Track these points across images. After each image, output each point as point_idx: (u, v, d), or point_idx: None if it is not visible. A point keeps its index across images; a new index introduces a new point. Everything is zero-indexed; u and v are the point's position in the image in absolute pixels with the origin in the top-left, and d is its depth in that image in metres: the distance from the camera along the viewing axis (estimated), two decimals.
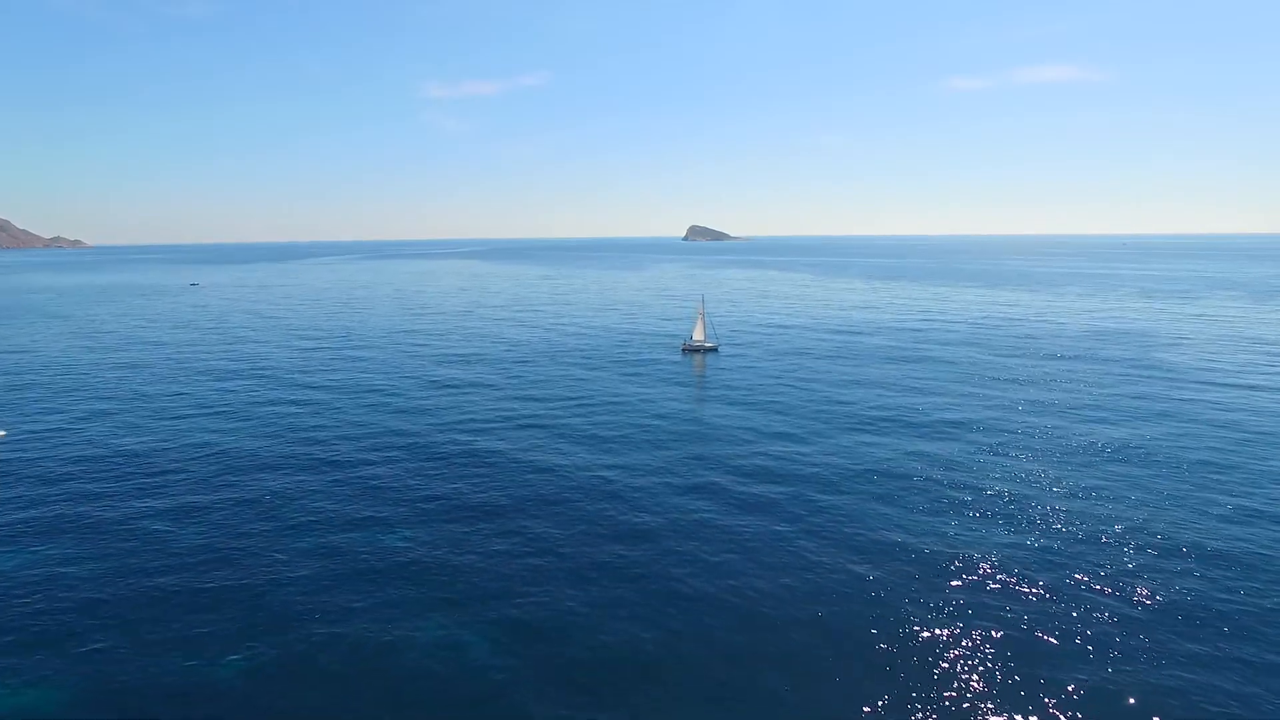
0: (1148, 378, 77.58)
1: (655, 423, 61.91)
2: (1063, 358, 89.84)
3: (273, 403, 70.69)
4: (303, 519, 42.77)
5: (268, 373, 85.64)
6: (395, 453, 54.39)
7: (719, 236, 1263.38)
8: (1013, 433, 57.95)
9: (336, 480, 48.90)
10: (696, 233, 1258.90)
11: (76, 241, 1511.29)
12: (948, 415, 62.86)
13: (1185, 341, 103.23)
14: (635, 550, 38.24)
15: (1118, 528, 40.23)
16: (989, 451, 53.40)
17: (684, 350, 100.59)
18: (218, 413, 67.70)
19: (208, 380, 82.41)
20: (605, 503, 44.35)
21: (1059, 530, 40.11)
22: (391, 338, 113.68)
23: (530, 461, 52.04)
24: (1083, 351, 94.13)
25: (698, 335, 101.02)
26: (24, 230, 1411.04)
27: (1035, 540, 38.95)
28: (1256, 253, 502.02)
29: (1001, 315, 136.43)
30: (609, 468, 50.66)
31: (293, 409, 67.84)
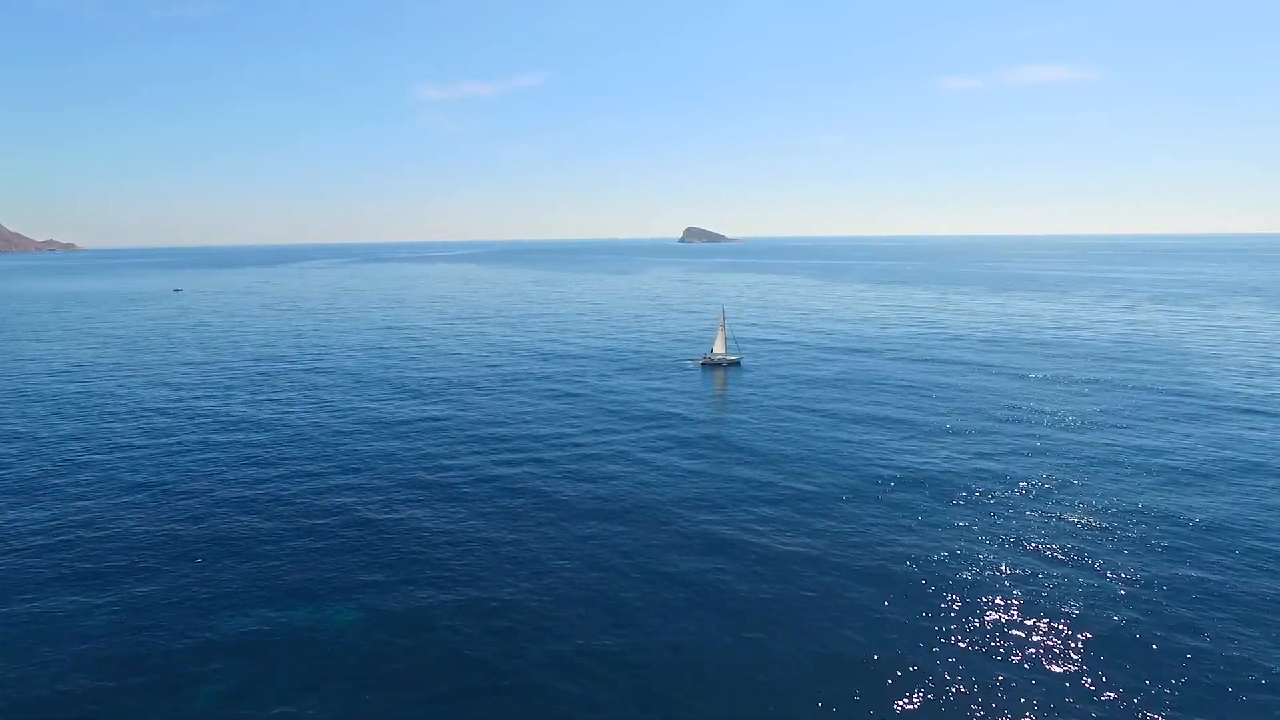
0: (1203, 411, 68.68)
1: (647, 479, 52.44)
2: (1100, 384, 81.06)
3: (200, 448, 60.71)
4: (199, 643, 34.04)
5: (210, 404, 75.91)
6: (329, 522, 45.06)
7: (715, 238, 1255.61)
8: (1076, 494, 48.30)
9: (245, 573, 39.60)
10: (693, 234, 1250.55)
11: (70, 244, 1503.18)
12: (989, 468, 53.30)
13: (1222, 358, 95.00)
14: (606, 687, 29.65)
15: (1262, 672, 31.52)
16: (1053, 533, 43.01)
17: (703, 364, 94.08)
18: (126, 457, 57.98)
19: (133, 413, 72.21)
20: (577, 606, 35.24)
21: (1181, 679, 31.37)
22: (360, 357, 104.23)
23: (489, 542, 42.49)
24: (1120, 377, 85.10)
25: (718, 348, 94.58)
26: (15, 233, 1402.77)
27: (1142, 695, 30.33)
28: (1261, 254, 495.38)
29: (1018, 326, 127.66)
30: (586, 543, 41.75)
31: (222, 457, 58.17)
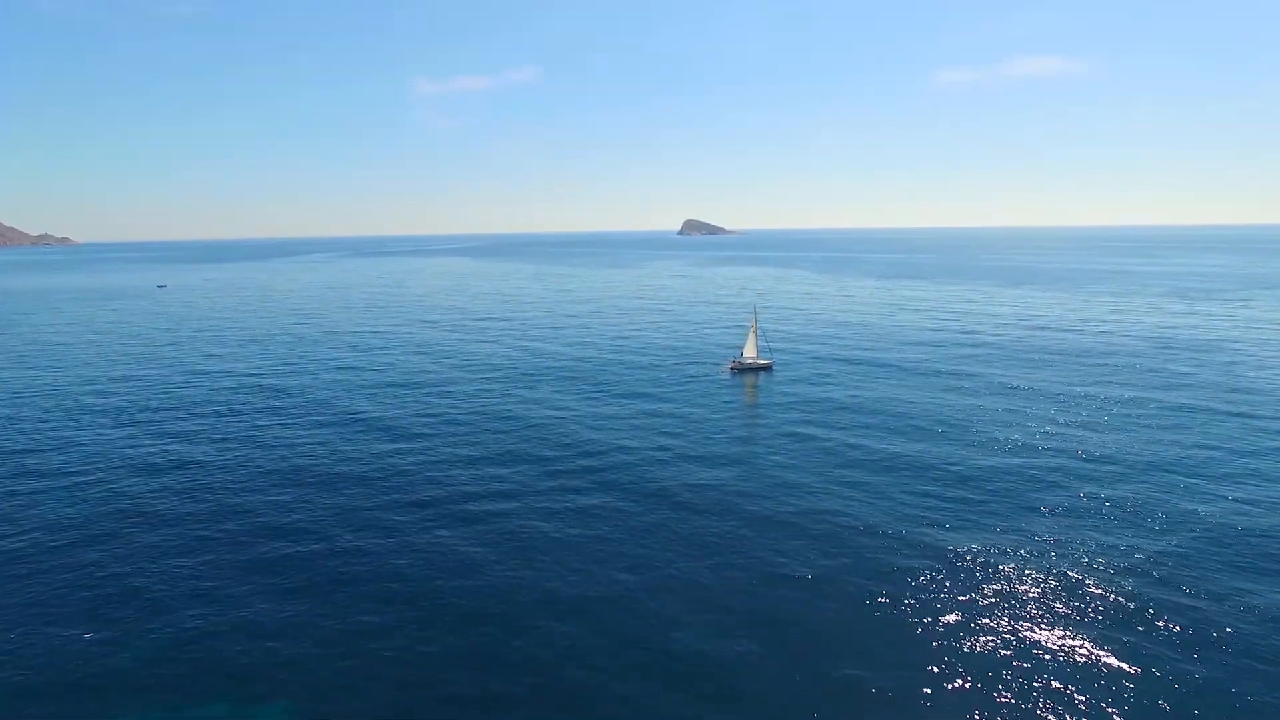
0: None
1: (635, 553, 42.28)
2: (1154, 406, 70.64)
3: (93, 499, 49.87)
4: None
5: (121, 435, 65.03)
6: (247, 596, 36.10)
7: (714, 230, 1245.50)
8: (1180, 585, 37.81)
9: (146, 655, 30.23)
10: (691, 226, 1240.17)
11: (65, 239, 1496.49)
12: (1059, 540, 43.32)
13: (1274, 366, 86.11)
14: None
15: None
16: (1165, 661, 32.58)
17: (732, 369, 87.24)
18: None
19: (22, 449, 60.84)
20: None
21: None
22: (321, 371, 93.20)
23: (410, 653, 33.33)
24: (1175, 397, 74.53)
25: (749, 351, 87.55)
26: (10, 227, 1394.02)
27: None
28: (1266, 245, 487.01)
29: (1043, 327, 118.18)
30: (550, 645, 32.59)
31: (125, 510, 48.03)
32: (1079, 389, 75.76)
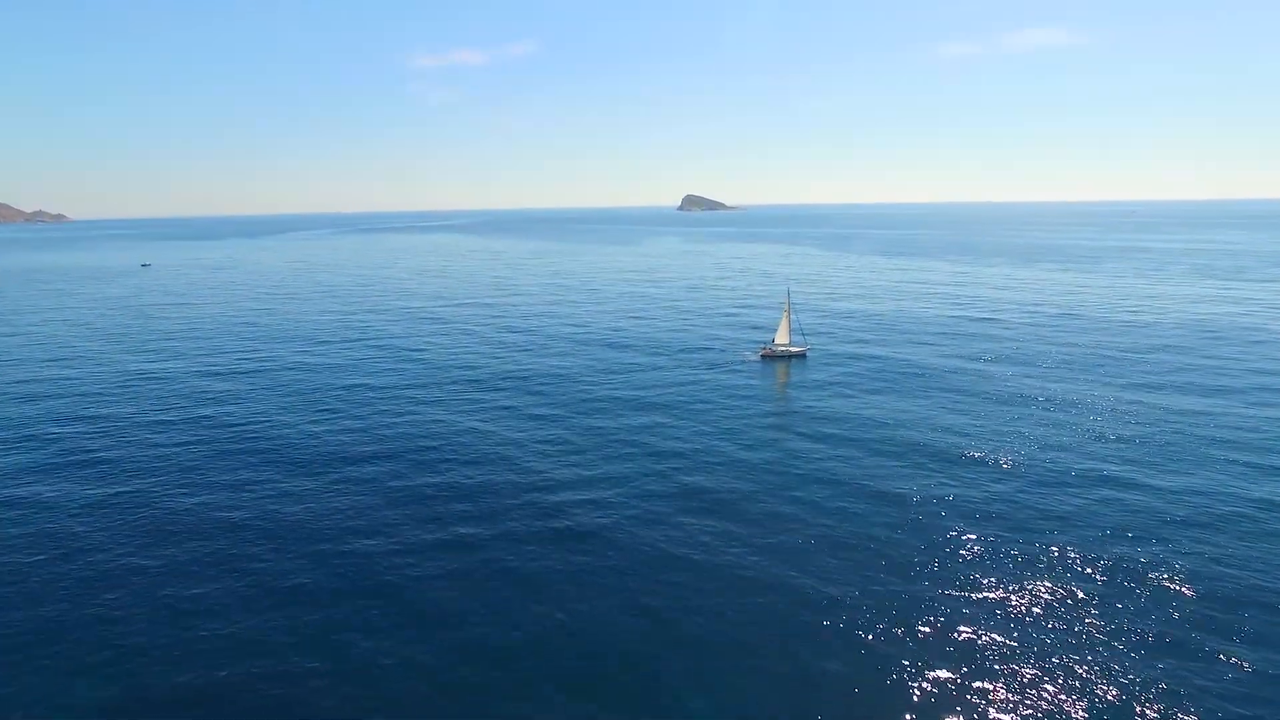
0: None
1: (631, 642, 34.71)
2: (1229, 420, 62.78)
3: None
4: None
5: (32, 447, 56.49)
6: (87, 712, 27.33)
7: (715, 206, 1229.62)
8: None
9: None
10: (691, 202, 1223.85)
11: (59, 215, 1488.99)
12: (1169, 600, 35.32)
13: None
14: None
15: None
16: None
17: (763, 356, 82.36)
18: None
19: None
20: None
21: None
22: (282, 360, 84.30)
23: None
24: (1248, 410, 67.05)
25: (781, 338, 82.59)
26: (4, 204, 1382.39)
27: None
28: (1273, 220, 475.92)
29: (1073, 311, 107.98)
30: None
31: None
32: (1130, 397, 65.99)
